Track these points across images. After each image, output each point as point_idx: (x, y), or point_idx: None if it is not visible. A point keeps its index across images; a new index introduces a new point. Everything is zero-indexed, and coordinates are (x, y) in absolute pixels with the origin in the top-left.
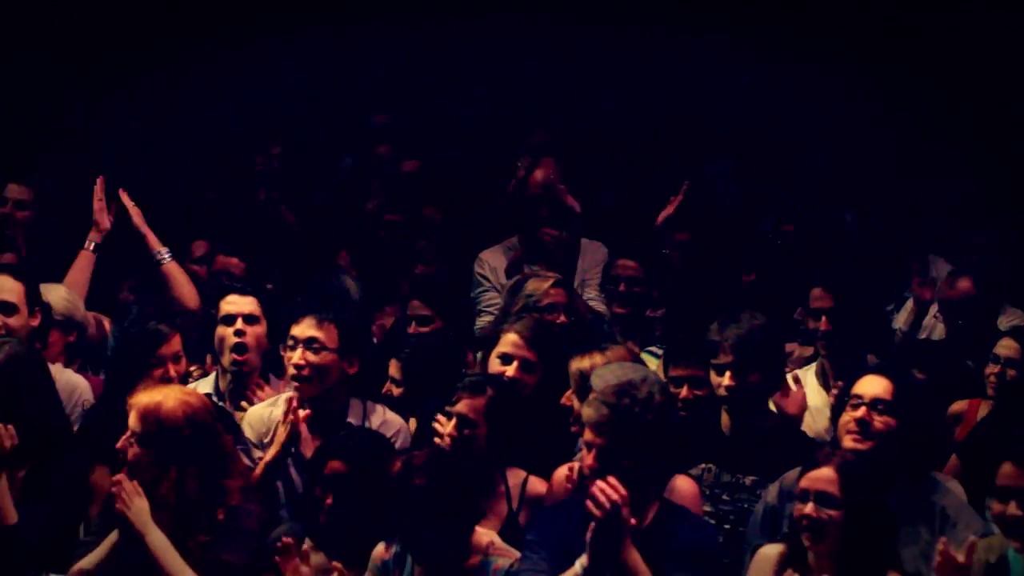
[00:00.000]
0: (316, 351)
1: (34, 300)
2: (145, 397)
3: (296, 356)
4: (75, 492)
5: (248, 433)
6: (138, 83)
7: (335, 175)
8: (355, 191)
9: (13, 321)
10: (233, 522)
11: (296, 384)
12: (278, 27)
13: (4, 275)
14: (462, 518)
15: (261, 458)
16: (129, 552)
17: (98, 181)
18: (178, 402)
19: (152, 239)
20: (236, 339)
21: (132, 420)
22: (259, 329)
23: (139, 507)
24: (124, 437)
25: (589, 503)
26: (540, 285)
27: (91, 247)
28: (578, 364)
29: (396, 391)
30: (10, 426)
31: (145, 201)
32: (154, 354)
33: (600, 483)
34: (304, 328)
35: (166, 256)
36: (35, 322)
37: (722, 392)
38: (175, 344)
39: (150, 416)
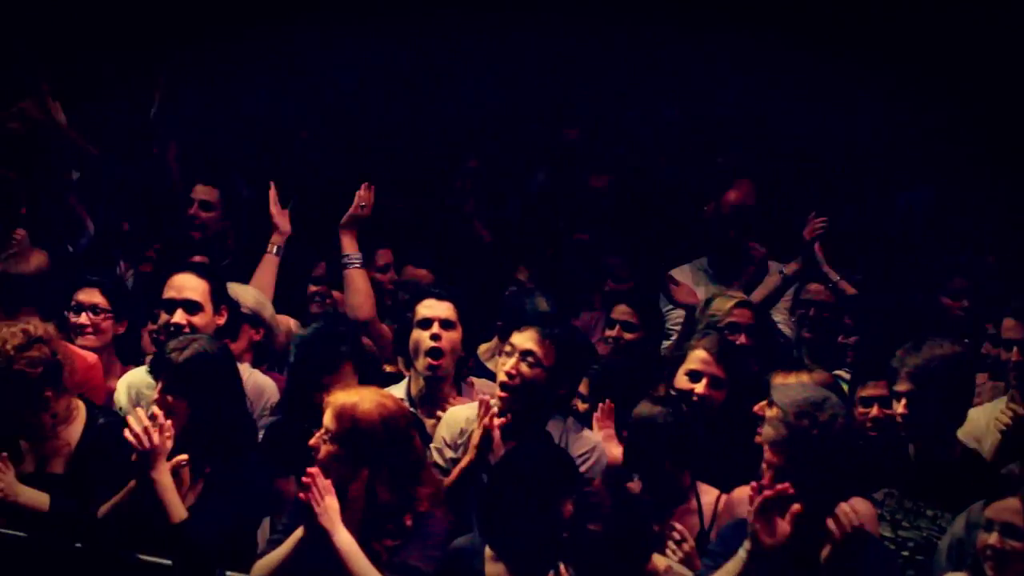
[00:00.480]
0: (531, 365)
1: (220, 298)
2: (342, 396)
3: (509, 364)
4: (256, 493)
5: (443, 432)
6: (329, 89)
7: (527, 190)
8: (546, 206)
9: (198, 320)
10: (421, 528)
11: (502, 393)
12: (474, 42)
13: (188, 273)
14: (640, 551)
15: (452, 458)
16: (314, 551)
17: (271, 186)
18: (375, 404)
19: (348, 241)
20: (432, 343)
21: (327, 418)
22: (455, 335)
23: (329, 505)
24: (318, 434)
25: (830, 522)
26: (724, 304)
27: (274, 250)
28: (782, 379)
29: (582, 407)
30: (168, 422)
31: (332, 207)
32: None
33: (844, 506)
34: (524, 339)
35: (356, 261)
36: (221, 320)
37: (898, 420)
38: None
39: (345, 415)
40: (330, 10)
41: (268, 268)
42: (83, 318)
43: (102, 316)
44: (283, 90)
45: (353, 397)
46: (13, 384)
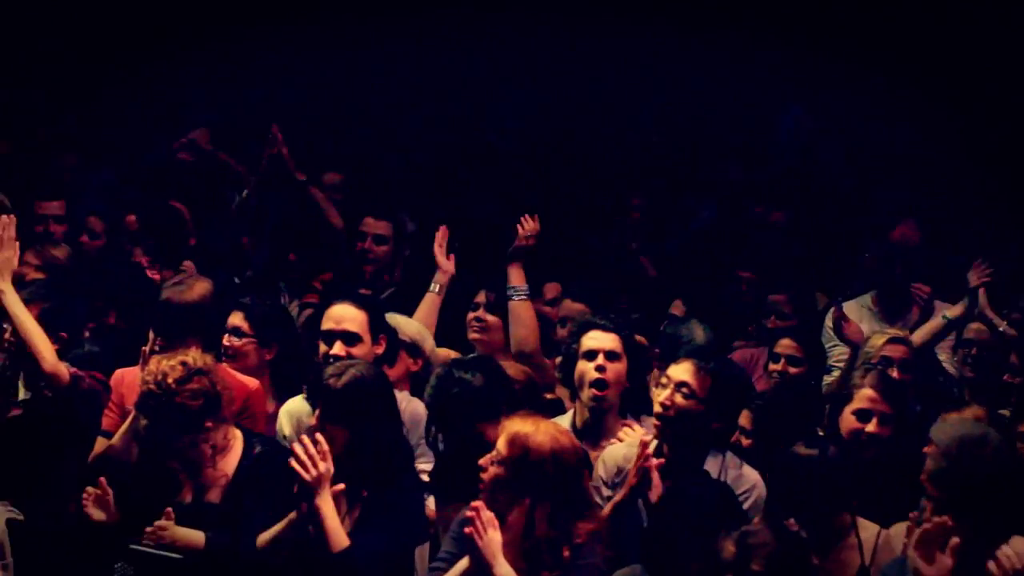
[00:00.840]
0: (685, 396)
1: (378, 328)
2: (519, 424)
3: (664, 395)
4: (413, 519)
5: (600, 470)
6: (493, 126)
7: (692, 225)
8: (709, 243)
9: (357, 351)
10: (578, 560)
11: (656, 423)
12: (641, 80)
13: (346, 304)
14: None
15: (608, 496)
16: None
17: (441, 230)
18: (549, 436)
19: (516, 273)
20: (596, 375)
21: (501, 442)
22: (620, 366)
23: (491, 538)
24: (489, 456)
25: (990, 564)
26: (877, 341)
27: (436, 289)
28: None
29: (746, 442)
30: (327, 448)
31: (496, 240)
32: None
33: (1006, 549)
34: (680, 371)
35: (522, 294)
36: (380, 350)
37: None
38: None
39: (518, 443)
40: (495, 52)
41: (430, 306)
42: (224, 340)
43: (244, 340)
44: (448, 127)
45: (529, 427)
46: (175, 417)
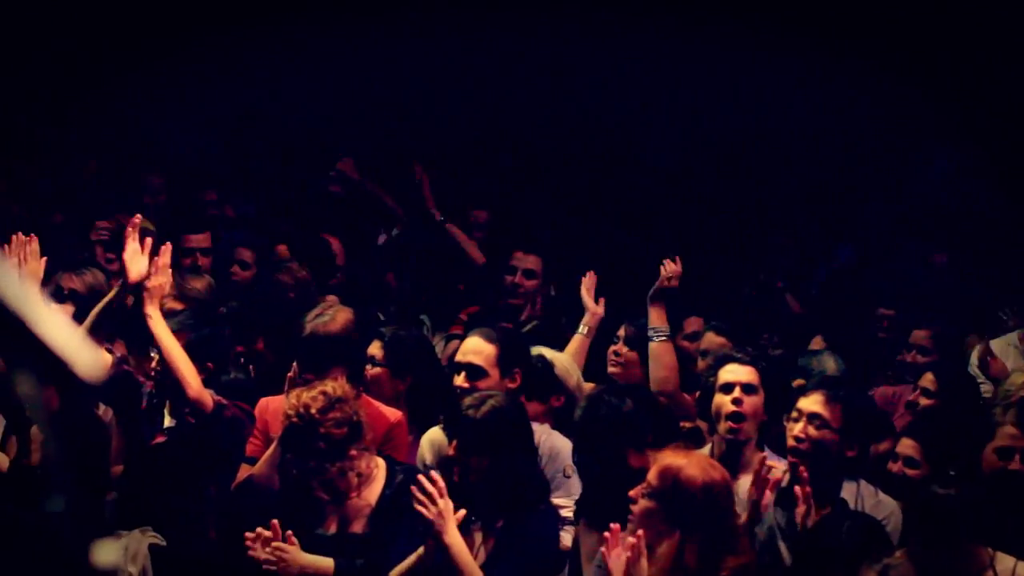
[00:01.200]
0: (818, 427)
1: (511, 362)
2: (671, 457)
3: (797, 428)
4: (548, 548)
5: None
6: (637, 166)
7: (834, 263)
8: (851, 280)
9: (481, 384)
10: None
11: (791, 458)
12: (786, 125)
13: (478, 336)
14: None
15: None
16: None
17: (589, 275)
18: (700, 470)
19: (657, 314)
20: (733, 408)
21: (651, 474)
22: (757, 399)
23: (640, 569)
24: (639, 487)
25: None
26: (1017, 379)
27: (584, 331)
28: None
29: (911, 472)
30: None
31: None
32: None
33: None
34: (811, 402)
35: (662, 335)
36: (512, 384)
37: None
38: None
39: (669, 475)
40: (639, 93)
41: (577, 349)
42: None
43: (378, 370)
44: (592, 165)
45: (681, 460)
46: (322, 447)
